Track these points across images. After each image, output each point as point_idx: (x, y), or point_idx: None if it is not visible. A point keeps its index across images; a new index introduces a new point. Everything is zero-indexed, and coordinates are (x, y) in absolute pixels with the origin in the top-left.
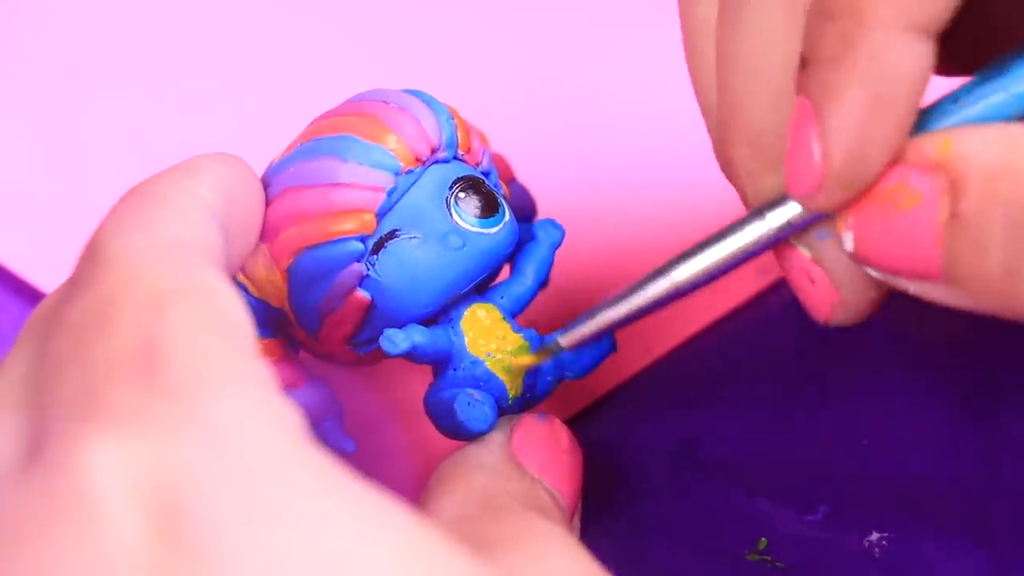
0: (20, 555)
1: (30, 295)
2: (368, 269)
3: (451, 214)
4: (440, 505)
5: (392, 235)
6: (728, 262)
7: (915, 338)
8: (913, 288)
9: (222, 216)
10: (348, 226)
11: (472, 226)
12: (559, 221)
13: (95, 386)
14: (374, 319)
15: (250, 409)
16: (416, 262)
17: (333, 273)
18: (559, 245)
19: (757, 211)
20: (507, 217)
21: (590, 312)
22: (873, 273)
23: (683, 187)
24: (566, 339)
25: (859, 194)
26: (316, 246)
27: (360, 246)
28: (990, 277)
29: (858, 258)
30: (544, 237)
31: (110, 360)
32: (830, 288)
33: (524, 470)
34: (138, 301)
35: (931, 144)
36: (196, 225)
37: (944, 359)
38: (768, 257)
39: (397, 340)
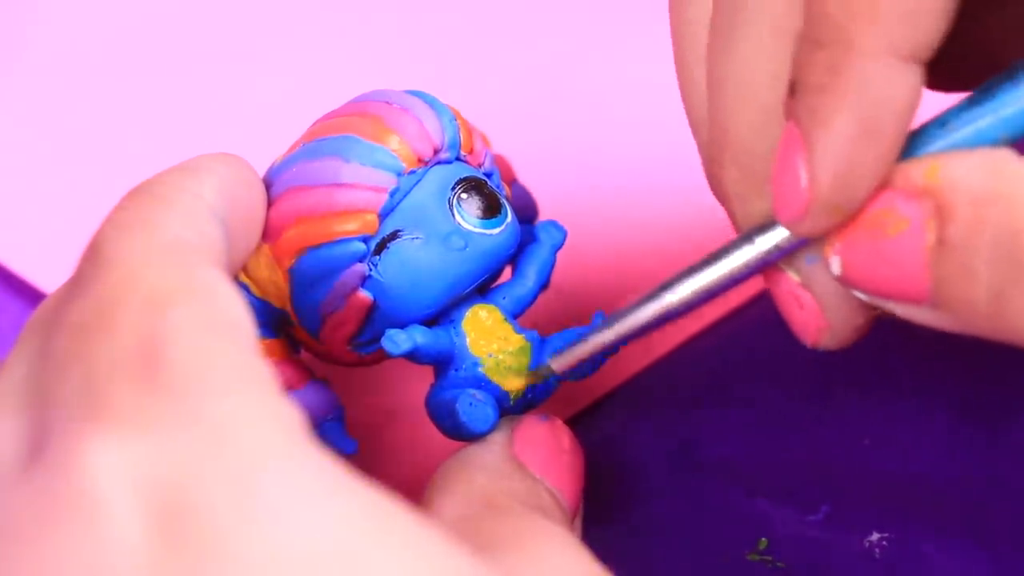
0: (21, 555)
1: (30, 295)
2: (370, 269)
3: (453, 215)
4: (441, 505)
5: (394, 236)
6: (718, 285)
7: (917, 338)
8: (901, 311)
9: (224, 216)
10: (350, 226)
11: (474, 227)
12: (561, 223)
13: (97, 386)
14: (376, 319)
15: (251, 408)
16: (418, 262)
17: (335, 273)
18: (561, 247)
19: (746, 236)
20: (509, 218)
21: (582, 337)
22: (861, 296)
23: (685, 190)
24: (558, 363)
25: (846, 220)
26: (318, 246)
27: (362, 246)
28: (978, 301)
29: (845, 282)
30: (546, 239)
31: (112, 360)
32: (818, 312)
33: (525, 470)
34: (140, 301)
35: (918, 170)
36: (198, 225)
37: (946, 359)
38: None
39: (399, 340)
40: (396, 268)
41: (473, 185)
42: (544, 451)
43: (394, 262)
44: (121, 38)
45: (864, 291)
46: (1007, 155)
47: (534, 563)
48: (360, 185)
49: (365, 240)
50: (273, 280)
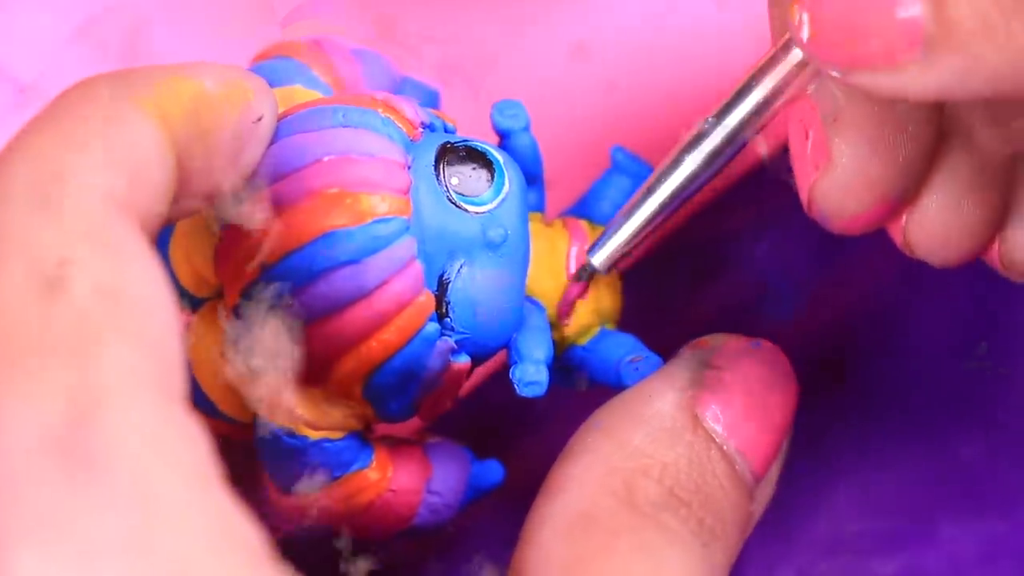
0: None
1: None
2: (451, 334)
3: (457, 204)
4: (570, 480)
5: (444, 283)
6: (761, 106)
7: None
8: (884, 80)
9: (185, 145)
10: (411, 316)
11: (488, 203)
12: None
13: (13, 474)
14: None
15: (209, 539)
16: (487, 287)
17: (421, 369)
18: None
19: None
20: (501, 159)
21: (613, 222)
22: (834, 73)
23: None
24: (599, 257)
25: None
26: (391, 357)
27: (434, 326)
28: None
29: (813, 50)
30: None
31: (31, 435)
32: (824, 143)
33: (702, 428)
34: (60, 340)
35: None
36: (139, 165)
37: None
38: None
39: (539, 378)
40: (470, 310)
41: (452, 159)
42: (740, 401)
43: (465, 306)
44: (121, 37)
45: (838, 61)
46: None
47: None
48: (393, 298)
49: (432, 318)
50: (352, 410)
